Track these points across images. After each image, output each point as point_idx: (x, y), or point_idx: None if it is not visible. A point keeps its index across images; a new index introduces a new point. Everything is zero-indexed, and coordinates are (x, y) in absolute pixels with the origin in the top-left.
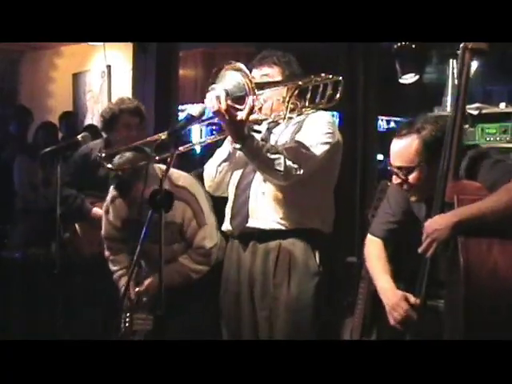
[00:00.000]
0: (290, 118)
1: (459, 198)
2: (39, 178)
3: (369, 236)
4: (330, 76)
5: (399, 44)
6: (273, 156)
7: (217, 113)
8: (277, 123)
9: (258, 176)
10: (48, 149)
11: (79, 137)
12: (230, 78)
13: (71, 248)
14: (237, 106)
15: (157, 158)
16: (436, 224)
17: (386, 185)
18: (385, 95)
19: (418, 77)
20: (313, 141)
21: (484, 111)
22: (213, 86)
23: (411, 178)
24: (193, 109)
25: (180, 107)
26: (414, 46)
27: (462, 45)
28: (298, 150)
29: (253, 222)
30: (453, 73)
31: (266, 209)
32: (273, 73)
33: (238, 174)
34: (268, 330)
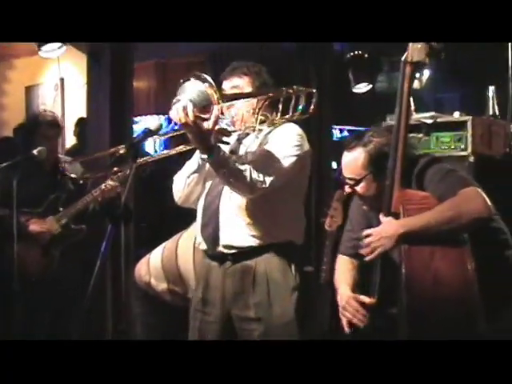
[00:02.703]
0: (261, 130)
1: (405, 208)
2: None
3: (338, 255)
4: (303, 88)
5: (352, 54)
6: (239, 168)
7: (184, 125)
8: (247, 134)
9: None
10: (3, 164)
11: (35, 151)
12: (193, 88)
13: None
14: (202, 116)
15: (115, 169)
16: (383, 232)
17: (341, 194)
18: (338, 105)
19: (371, 86)
20: (281, 153)
21: (438, 120)
22: (177, 97)
23: (359, 188)
24: (150, 122)
25: (134, 119)
26: (366, 55)
27: (402, 58)
28: (264, 163)
29: (225, 238)
30: None
31: (237, 222)
32: (243, 84)
33: (209, 184)
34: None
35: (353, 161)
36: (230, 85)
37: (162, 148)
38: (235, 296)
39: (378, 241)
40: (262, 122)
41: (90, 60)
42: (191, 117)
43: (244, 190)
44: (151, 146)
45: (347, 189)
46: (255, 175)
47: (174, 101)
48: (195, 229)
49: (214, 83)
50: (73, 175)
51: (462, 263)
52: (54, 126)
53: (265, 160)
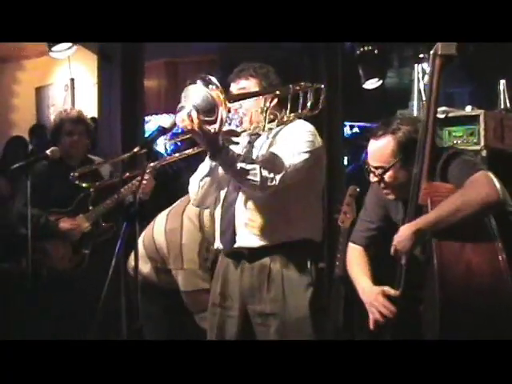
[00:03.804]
0: (270, 129)
1: (432, 200)
2: (8, 193)
3: (350, 244)
4: (310, 84)
5: (362, 49)
6: (248, 166)
7: (191, 131)
8: (258, 135)
9: (243, 192)
10: (17, 164)
11: (48, 151)
12: (197, 92)
13: (43, 267)
14: (208, 119)
15: (127, 174)
16: (399, 236)
17: (354, 190)
18: (348, 101)
19: (381, 81)
20: (291, 150)
21: (450, 114)
22: (181, 105)
23: (387, 177)
24: (164, 120)
25: (145, 118)
26: (376, 51)
27: (432, 51)
28: (274, 161)
29: (241, 241)
30: (418, 77)
31: (252, 224)
32: (249, 85)
33: (224, 190)
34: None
35: (381, 148)
36: (237, 87)
37: (172, 147)
38: (251, 291)
39: (397, 244)
40: (271, 121)
41: (100, 59)
42: (196, 123)
43: (254, 187)
44: (162, 145)
45: (373, 178)
46: (265, 173)
47: (179, 108)
48: (167, 211)
49: (219, 84)
50: (84, 184)
51: (493, 254)
52: (79, 122)
53: (274, 157)
